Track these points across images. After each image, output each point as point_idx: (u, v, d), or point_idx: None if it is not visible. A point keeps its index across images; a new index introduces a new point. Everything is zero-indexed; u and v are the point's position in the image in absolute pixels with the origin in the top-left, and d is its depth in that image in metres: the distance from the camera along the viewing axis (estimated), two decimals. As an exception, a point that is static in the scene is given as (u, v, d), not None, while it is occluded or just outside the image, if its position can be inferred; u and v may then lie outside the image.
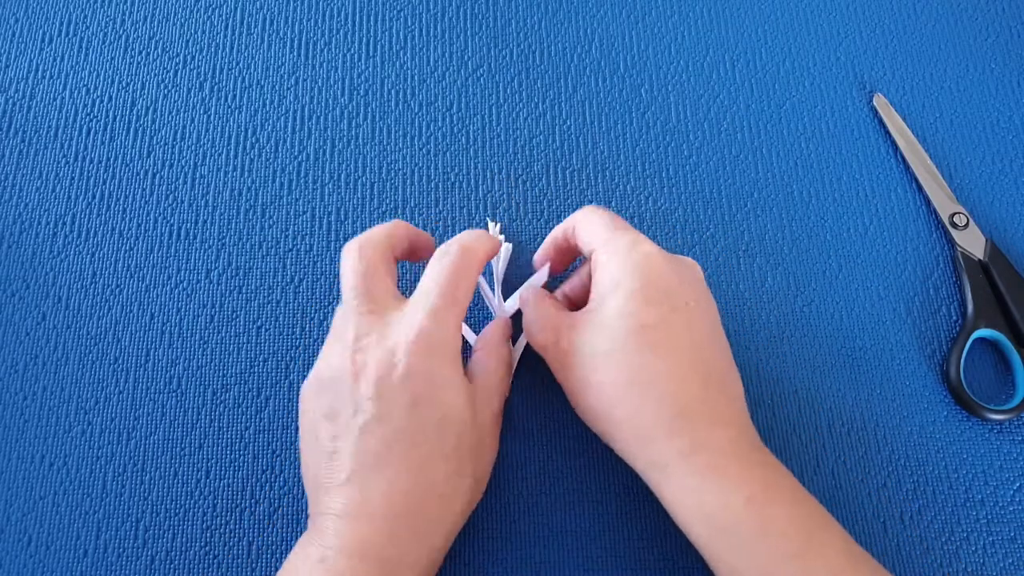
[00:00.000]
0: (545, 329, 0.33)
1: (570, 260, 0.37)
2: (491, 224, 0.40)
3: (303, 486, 0.31)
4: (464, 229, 0.40)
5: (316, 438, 0.30)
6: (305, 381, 0.31)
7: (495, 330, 0.35)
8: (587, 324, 0.31)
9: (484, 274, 0.38)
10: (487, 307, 0.38)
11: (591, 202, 0.41)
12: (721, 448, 0.29)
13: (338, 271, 0.39)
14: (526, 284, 0.36)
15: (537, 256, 0.37)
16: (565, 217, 0.40)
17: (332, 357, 0.30)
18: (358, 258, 0.32)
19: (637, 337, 0.29)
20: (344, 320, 0.31)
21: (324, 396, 0.30)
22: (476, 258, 0.32)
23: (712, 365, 0.30)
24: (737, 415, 0.30)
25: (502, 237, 0.40)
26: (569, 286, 0.36)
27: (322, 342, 0.38)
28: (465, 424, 0.30)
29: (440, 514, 0.29)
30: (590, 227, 0.33)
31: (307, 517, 0.30)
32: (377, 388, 0.29)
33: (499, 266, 0.38)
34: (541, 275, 0.36)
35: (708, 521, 0.28)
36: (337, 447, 0.29)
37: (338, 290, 0.39)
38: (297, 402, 0.36)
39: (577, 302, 0.36)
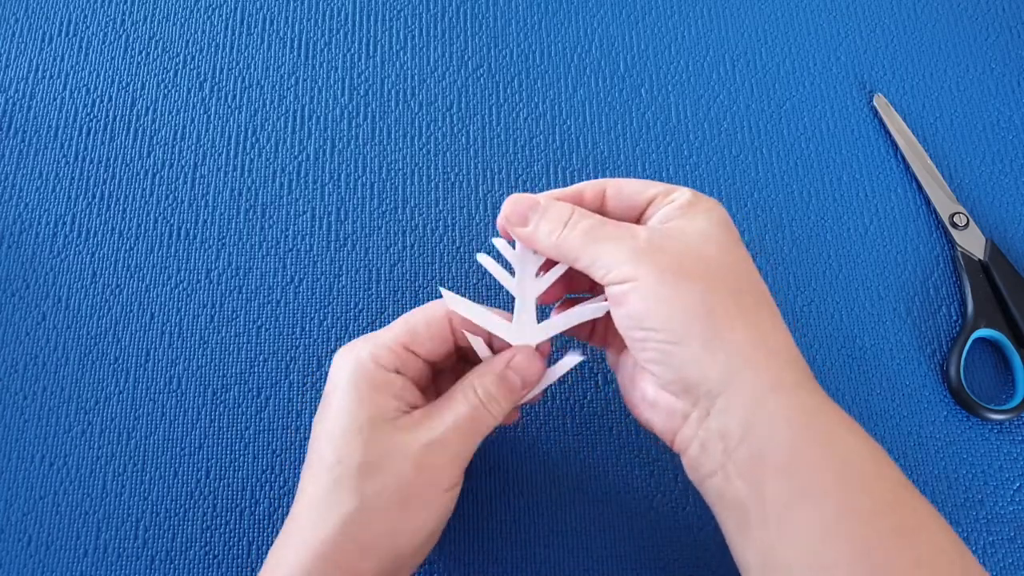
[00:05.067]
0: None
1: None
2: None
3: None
4: (464, 229, 0.40)
5: None
6: None
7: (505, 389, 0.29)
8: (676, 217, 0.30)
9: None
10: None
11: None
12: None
13: (337, 271, 0.39)
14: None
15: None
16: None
17: None
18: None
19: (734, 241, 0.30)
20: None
21: None
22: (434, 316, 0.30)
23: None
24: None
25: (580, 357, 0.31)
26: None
27: (322, 342, 0.38)
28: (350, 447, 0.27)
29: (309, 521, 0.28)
30: (641, 183, 0.31)
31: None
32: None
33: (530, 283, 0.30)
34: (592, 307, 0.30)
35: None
36: None
37: (337, 290, 0.39)
38: (296, 402, 0.37)
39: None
